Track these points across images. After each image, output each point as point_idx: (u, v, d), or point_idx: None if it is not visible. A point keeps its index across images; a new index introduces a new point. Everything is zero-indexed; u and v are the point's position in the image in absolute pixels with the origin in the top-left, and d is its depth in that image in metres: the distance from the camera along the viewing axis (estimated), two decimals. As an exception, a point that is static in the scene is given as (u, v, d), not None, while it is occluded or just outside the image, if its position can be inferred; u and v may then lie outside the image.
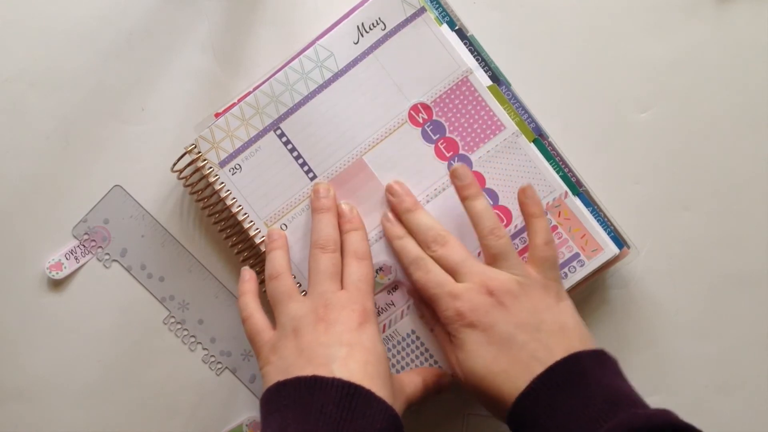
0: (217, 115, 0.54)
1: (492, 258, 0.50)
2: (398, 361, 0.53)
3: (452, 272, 0.50)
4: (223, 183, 0.54)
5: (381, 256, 0.53)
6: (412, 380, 0.50)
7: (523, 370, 0.46)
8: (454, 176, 0.52)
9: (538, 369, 0.45)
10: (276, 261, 0.52)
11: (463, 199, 0.52)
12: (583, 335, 0.48)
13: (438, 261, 0.51)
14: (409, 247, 0.52)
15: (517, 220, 0.53)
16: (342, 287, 0.50)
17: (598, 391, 0.44)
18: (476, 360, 0.47)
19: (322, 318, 0.48)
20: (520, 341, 0.47)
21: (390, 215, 0.53)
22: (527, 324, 0.47)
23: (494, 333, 0.47)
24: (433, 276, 0.50)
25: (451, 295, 0.49)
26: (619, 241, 0.54)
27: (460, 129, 0.53)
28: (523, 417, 0.45)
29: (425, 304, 0.52)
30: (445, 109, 0.53)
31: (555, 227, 0.53)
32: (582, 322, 0.49)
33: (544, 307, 0.48)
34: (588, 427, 0.42)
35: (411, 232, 0.52)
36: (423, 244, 0.52)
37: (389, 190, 0.53)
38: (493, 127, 0.53)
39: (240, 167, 0.54)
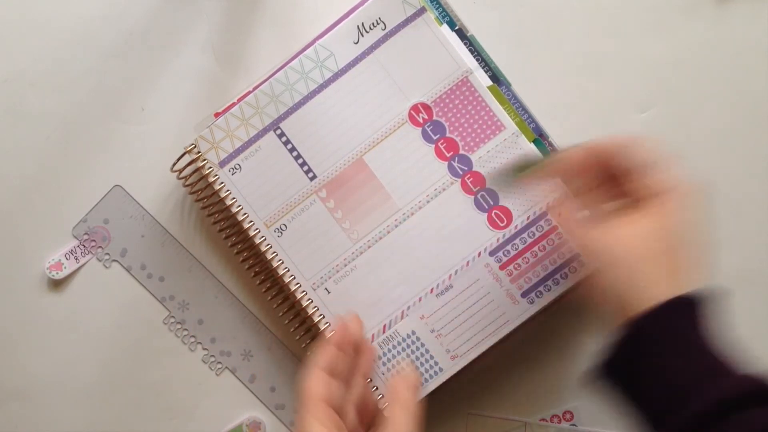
0: (217, 115, 0.54)
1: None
2: (399, 362, 0.53)
3: None
4: (222, 183, 0.54)
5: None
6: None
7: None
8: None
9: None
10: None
11: None
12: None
13: None
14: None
15: (518, 221, 0.53)
16: None
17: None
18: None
19: None
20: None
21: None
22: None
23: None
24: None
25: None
26: (619, 241, 0.54)
27: (461, 129, 0.53)
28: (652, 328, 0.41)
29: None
30: (446, 109, 0.53)
31: (555, 227, 0.53)
32: None
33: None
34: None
35: None
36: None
37: None
38: (493, 127, 0.53)
39: (240, 167, 0.54)
